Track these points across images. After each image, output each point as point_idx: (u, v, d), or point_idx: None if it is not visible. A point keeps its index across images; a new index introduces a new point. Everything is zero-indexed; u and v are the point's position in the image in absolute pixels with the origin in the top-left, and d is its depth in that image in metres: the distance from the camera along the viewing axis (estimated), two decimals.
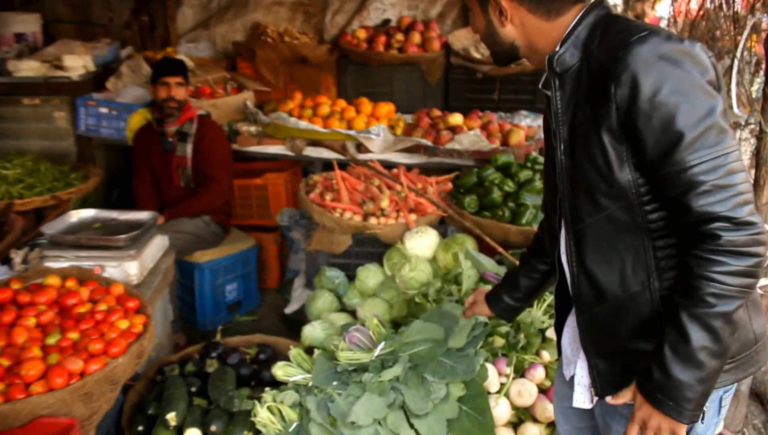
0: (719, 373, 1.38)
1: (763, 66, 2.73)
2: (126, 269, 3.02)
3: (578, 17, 1.50)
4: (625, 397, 1.51)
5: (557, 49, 1.49)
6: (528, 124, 4.50)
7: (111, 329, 2.49)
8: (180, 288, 4.20)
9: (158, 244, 3.36)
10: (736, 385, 1.60)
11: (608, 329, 1.54)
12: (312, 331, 2.99)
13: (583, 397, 1.69)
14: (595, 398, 1.66)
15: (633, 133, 1.36)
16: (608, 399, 1.54)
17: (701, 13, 3.71)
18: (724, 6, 3.40)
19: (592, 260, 1.52)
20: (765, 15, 2.77)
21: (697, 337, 1.33)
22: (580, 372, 1.69)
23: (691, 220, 1.33)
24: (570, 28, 1.50)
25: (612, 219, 1.45)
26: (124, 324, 2.54)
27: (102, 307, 2.64)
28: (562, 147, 1.51)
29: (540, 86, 1.64)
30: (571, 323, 1.79)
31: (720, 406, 1.59)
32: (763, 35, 2.98)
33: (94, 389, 2.23)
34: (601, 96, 1.39)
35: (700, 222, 1.32)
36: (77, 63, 4.78)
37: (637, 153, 1.38)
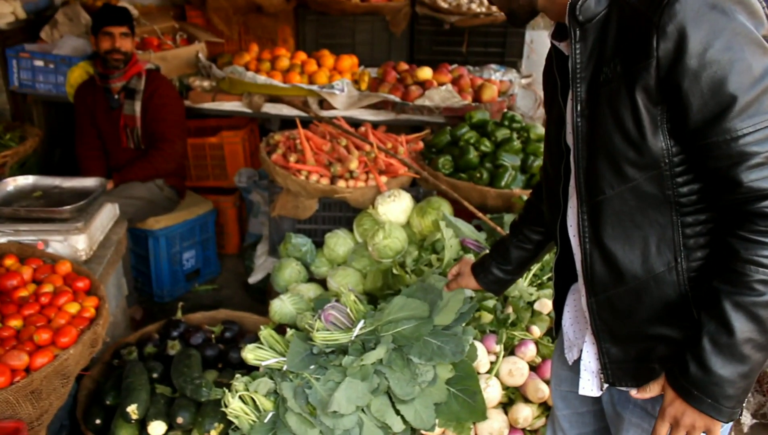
0: (762, 366, 1.25)
1: None
2: (73, 244, 2.74)
3: None
4: (652, 391, 1.37)
5: None
6: (498, 79, 4.29)
7: (59, 315, 2.23)
8: (134, 257, 3.92)
9: (108, 214, 3.08)
10: None
11: (625, 313, 1.39)
12: (281, 306, 2.77)
13: (590, 384, 1.55)
14: (605, 386, 1.51)
15: (674, 95, 1.17)
16: (633, 393, 1.40)
17: None
18: None
19: (610, 237, 1.35)
20: None
21: (742, 328, 1.19)
22: (587, 357, 1.54)
23: (739, 196, 1.17)
24: None
25: (638, 191, 1.28)
26: (73, 308, 2.28)
27: (47, 288, 2.38)
28: (579, 107, 1.32)
29: (550, 37, 1.44)
30: (572, 302, 1.65)
31: None
32: None
33: (42, 386, 1.99)
34: (637, 49, 1.19)
35: (750, 199, 1.16)
36: (4, 9, 4.31)
37: (676, 117, 1.20)
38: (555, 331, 1.74)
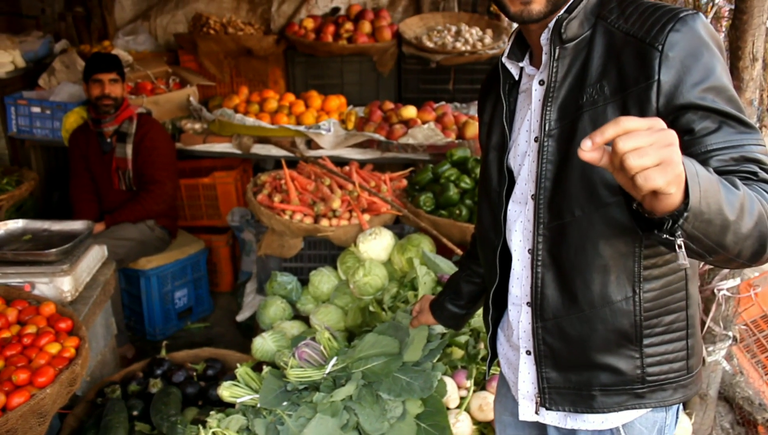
0: (720, 219, 1.03)
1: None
2: (58, 285, 2.81)
3: None
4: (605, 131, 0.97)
5: (564, 13, 1.30)
6: None
7: (39, 355, 2.29)
8: (126, 297, 3.99)
9: (95, 255, 3.14)
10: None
11: (575, 339, 1.39)
12: (262, 344, 2.82)
13: (529, 410, 1.52)
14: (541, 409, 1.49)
15: (674, 114, 1.20)
16: (584, 145, 0.96)
17: None
18: None
19: (569, 262, 1.34)
20: (726, 3, 2.67)
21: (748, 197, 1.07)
22: (523, 386, 1.51)
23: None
24: None
25: (607, 217, 1.28)
26: (54, 348, 2.34)
27: (30, 329, 2.44)
28: (547, 128, 1.32)
29: (504, 58, 1.44)
30: (502, 337, 1.63)
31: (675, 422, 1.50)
32: (725, 23, 2.90)
33: (18, 425, 2.04)
34: (634, 73, 1.22)
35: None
36: (4, 58, 4.48)
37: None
38: (488, 370, 1.73)
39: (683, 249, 1.00)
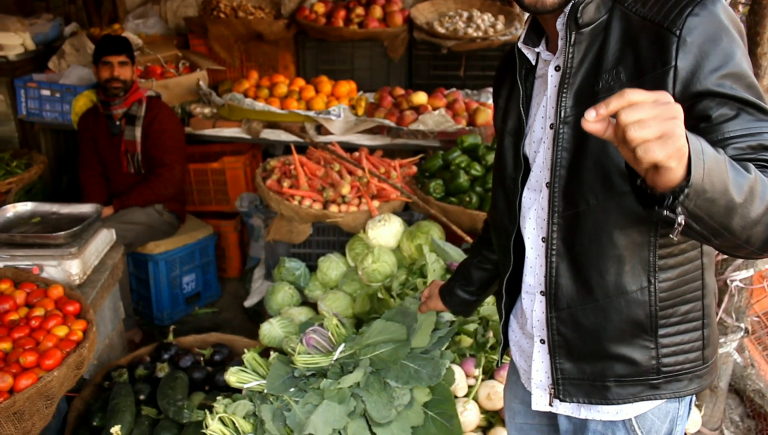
0: (724, 197, 1.00)
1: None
2: (67, 268, 2.81)
3: None
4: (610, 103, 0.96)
5: None
6: None
7: (47, 338, 2.29)
8: (135, 281, 3.99)
9: (103, 239, 3.14)
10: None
11: (589, 329, 1.37)
12: (270, 330, 2.81)
13: (542, 401, 1.51)
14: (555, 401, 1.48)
15: (691, 101, 1.16)
16: (588, 116, 0.95)
17: None
18: None
19: (584, 251, 1.32)
20: None
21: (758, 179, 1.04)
22: (537, 375, 1.50)
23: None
24: None
25: (622, 206, 1.25)
26: (61, 331, 2.34)
27: (38, 312, 2.44)
28: (562, 114, 1.30)
29: (519, 43, 1.41)
30: (515, 324, 1.61)
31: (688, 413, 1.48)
32: (741, 8, 2.85)
33: (25, 407, 2.04)
34: (651, 58, 1.19)
35: None
36: (14, 41, 4.46)
37: (691, 122, 1.16)
38: (500, 357, 1.72)
39: (681, 226, 0.98)
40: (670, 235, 1.00)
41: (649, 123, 0.89)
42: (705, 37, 1.15)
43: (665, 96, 0.91)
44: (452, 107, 4.07)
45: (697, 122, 1.16)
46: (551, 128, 1.35)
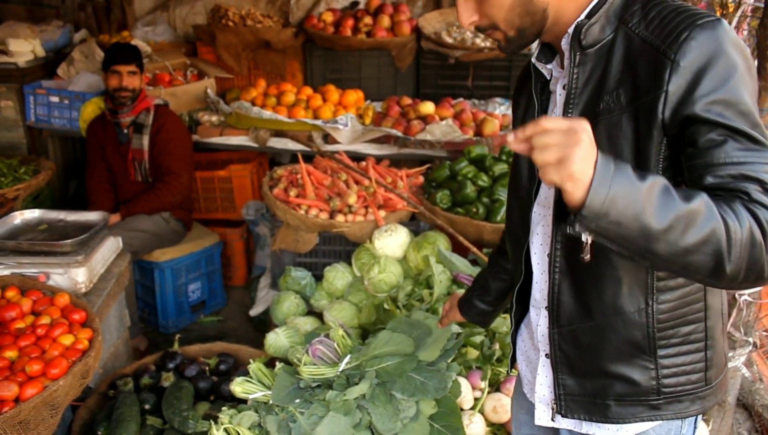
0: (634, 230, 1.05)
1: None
2: (73, 276, 2.81)
3: None
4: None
5: (584, 18, 1.26)
6: (502, 112, 4.33)
7: (53, 346, 2.29)
8: (140, 289, 3.99)
9: (110, 247, 3.14)
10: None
11: (589, 348, 1.38)
12: (275, 340, 2.81)
13: (545, 415, 1.51)
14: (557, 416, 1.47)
15: (681, 128, 1.16)
16: (509, 138, 1.08)
17: None
18: None
19: (583, 270, 1.33)
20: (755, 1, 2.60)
21: (703, 210, 1.05)
22: (540, 389, 1.50)
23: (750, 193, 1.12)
24: None
25: None
26: (67, 340, 2.34)
27: (44, 320, 2.44)
28: None
29: (533, 60, 1.41)
30: (525, 334, 1.61)
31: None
32: (749, 21, 2.83)
33: (30, 417, 2.04)
34: (646, 81, 1.18)
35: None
36: (24, 48, 4.48)
37: (680, 150, 1.18)
38: (510, 365, 1.72)
39: (587, 243, 1.09)
40: (583, 255, 1.11)
41: (551, 148, 1.01)
42: (699, 61, 1.13)
43: (579, 124, 1.01)
44: (459, 117, 4.07)
45: (686, 147, 1.16)
46: None
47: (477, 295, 1.89)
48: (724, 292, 1.40)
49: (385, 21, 4.81)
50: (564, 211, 1.10)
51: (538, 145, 1.02)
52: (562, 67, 1.37)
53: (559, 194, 1.10)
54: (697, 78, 1.13)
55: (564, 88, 1.34)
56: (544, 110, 1.43)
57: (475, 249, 3.02)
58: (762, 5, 2.47)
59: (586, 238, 1.07)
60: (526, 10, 1.28)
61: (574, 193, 1.02)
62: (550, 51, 1.40)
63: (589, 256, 1.10)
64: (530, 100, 1.46)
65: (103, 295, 2.90)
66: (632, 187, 1.03)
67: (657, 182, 1.05)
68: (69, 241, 2.82)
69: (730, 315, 2.55)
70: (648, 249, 1.06)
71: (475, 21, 1.33)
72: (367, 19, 4.82)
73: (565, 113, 1.30)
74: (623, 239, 1.06)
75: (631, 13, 1.24)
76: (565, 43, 1.30)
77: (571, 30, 1.27)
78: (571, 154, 1.00)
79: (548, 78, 1.41)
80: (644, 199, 1.03)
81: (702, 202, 1.06)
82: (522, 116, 1.52)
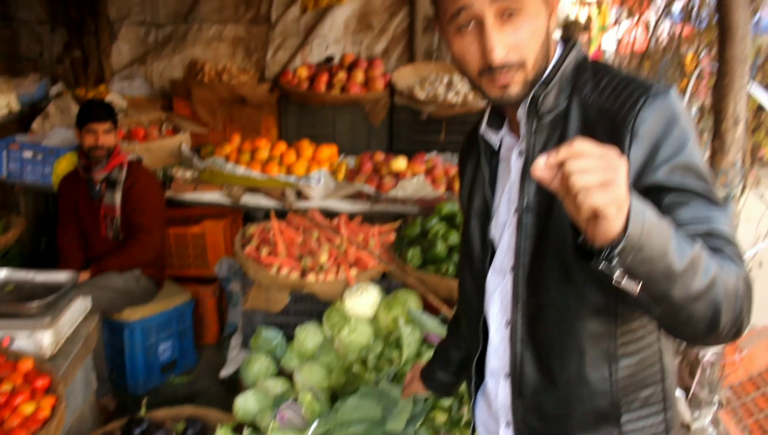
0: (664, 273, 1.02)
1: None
2: (38, 340, 2.77)
3: (561, 51, 1.31)
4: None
5: (540, 86, 1.27)
6: None
7: (13, 416, 2.24)
8: (109, 348, 3.92)
9: (78, 307, 3.11)
10: None
11: (554, 419, 1.37)
12: (244, 404, 2.78)
13: None
14: None
15: (644, 192, 1.17)
16: (538, 164, 0.98)
17: (646, 52, 3.64)
18: (669, 48, 3.34)
19: (547, 340, 1.33)
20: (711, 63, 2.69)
21: (704, 261, 1.05)
22: None
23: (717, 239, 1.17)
24: (555, 61, 1.30)
25: (581, 297, 1.26)
26: (29, 408, 2.29)
27: (6, 387, 2.39)
28: (526, 201, 1.31)
29: (482, 128, 1.41)
30: (482, 405, 1.58)
31: None
32: (707, 80, 2.92)
33: None
34: None
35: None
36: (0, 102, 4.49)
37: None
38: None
39: (620, 282, 1.00)
40: (625, 286, 1.00)
41: (593, 171, 0.93)
42: (657, 129, 1.17)
43: (612, 151, 0.94)
44: (431, 173, 4.12)
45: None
46: (515, 213, 1.35)
47: (439, 367, 1.86)
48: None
49: (359, 76, 4.89)
50: (585, 251, 1.03)
51: (577, 169, 0.93)
52: (514, 133, 1.38)
53: (575, 233, 1.04)
54: (656, 146, 1.17)
55: (520, 154, 1.35)
56: (493, 179, 1.43)
57: (445, 308, 3.03)
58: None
59: (618, 274, 0.99)
60: (543, 41, 1.26)
61: (616, 219, 0.95)
62: (498, 118, 1.41)
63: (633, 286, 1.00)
64: (478, 168, 1.46)
65: (70, 358, 2.85)
66: (659, 222, 1.00)
67: (670, 220, 1.03)
68: (35, 303, 2.79)
69: (693, 375, 2.57)
70: (666, 293, 1.02)
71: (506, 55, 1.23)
72: (342, 75, 4.90)
73: (523, 180, 1.32)
74: (650, 279, 1.00)
75: (583, 82, 1.28)
76: (521, 112, 1.31)
77: (528, 98, 1.29)
78: (615, 176, 0.93)
79: (496, 147, 1.42)
80: (668, 236, 1.00)
81: (701, 246, 1.05)
82: (470, 184, 1.51)
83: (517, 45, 1.22)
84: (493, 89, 1.27)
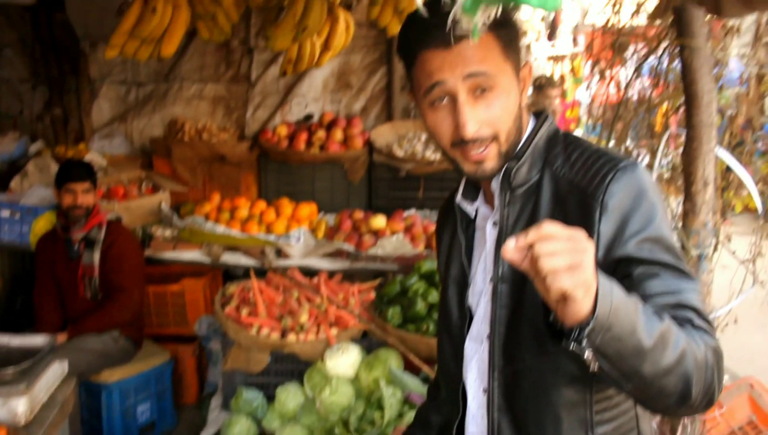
0: (634, 349, 1.05)
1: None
2: (13, 408, 2.71)
3: (533, 124, 1.37)
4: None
5: (513, 160, 1.32)
6: None
7: None
8: (86, 411, 3.85)
9: (55, 372, 3.06)
10: None
11: None
12: None
13: None
14: None
15: (615, 265, 1.22)
16: (508, 246, 1.01)
17: (618, 110, 3.73)
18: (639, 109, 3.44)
19: (522, 409, 1.34)
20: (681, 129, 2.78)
21: (673, 334, 1.08)
22: None
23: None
24: (527, 134, 1.36)
25: (556, 366, 1.29)
26: None
27: None
28: (501, 271, 1.34)
29: (458, 198, 1.45)
30: None
31: None
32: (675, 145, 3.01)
33: None
34: (577, 223, 1.20)
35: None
36: None
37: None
38: None
39: (592, 362, 1.04)
40: (591, 366, 1.04)
41: (560, 254, 0.95)
42: (626, 203, 1.22)
43: (580, 233, 0.98)
44: (410, 231, 4.18)
45: (620, 281, 1.20)
46: (491, 282, 1.38)
47: (419, 431, 1.84)
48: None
49: (338, 135, 4.97)
50: (555, 330, 1.07)
51: (545, 252, 0.96)
52: (489, 203, 1.43)
53: (546, 311, 1.07)
54: (625, 219, 1.21)
55: (495, 225, 1.39)
56: (470, 247, 1.46)
57: (426, 367, 3.03)
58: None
59: (588, 354, 1.03)
60: (515, 115, 1.31)
61: (584, 302, 0.98)
62: (473, 189, 1.46)
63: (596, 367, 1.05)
64: (455, 236, 1.49)
65: (45, 425, 2.79)
66: (626, 300, 1.03)
67: (637, 296, 1.06)
68: (10, 369, 2.74)
69: (674, 433, 2.58)
70: (637, 370, 1.05)
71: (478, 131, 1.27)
72: (321, 133, 4.98)
73: (498, 250, 1.35)
74: (620, 357, 1.04)
75: (554, 155, 1.33)
76: (494, 184, 1.36)
77: (501, 172, 1.34)
78: (582, 259, 0.96)
79: (472, 216, 1.46)
80: (635, 314, 1.03)
81: (669, 321, 1.07)
82: (447, 252, 1.54)
83: (489, 120, 1.28)
84: (467, 164, 1.32)
